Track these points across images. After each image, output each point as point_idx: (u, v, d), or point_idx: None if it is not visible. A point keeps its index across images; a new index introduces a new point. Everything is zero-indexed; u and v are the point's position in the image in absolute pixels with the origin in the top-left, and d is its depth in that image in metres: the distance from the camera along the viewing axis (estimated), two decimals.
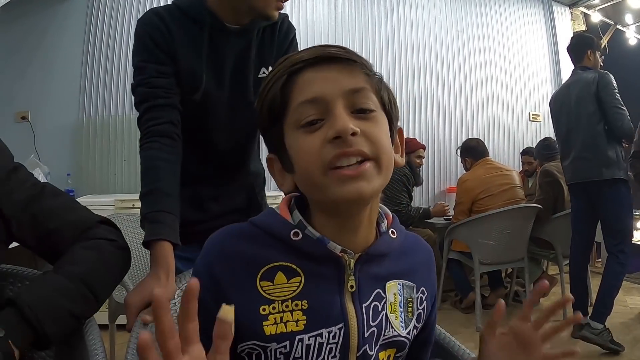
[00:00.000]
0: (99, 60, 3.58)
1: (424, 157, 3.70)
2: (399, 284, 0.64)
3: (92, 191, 3.44)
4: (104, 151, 3.55)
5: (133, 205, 2.86)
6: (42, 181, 0.90)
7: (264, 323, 0.57)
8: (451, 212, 3.47)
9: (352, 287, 0.59)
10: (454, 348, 0.80)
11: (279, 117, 0.59)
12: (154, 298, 0.39)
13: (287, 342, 0.56)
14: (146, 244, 0.91)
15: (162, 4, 3.95)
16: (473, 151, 3.42)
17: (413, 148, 3.53)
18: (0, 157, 0.85)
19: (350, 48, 0.60)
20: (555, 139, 3.73)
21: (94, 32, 3.58)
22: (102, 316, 0.76)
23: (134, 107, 1.08)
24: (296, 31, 1.22)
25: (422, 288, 0.67)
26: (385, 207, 0.66)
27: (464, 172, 3.54)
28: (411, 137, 4.26)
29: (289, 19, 1.21)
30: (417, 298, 0.66)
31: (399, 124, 0.65)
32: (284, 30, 1.18)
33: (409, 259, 0.66)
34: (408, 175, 3.43)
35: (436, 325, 0.77)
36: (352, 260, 0.59)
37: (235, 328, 0.50)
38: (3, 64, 3.37)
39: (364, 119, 0.57)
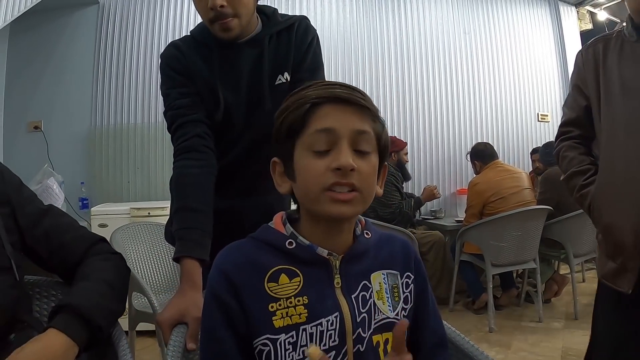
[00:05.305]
0: (110, 68, 3.62)
1: (407, 154, 3.86)
2: (382, 273, 0.75)
3: (106, 199, 3.48)
4: (117, 159, 3.58)
5: (149, 213, 2.90)
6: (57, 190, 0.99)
7: (273, 318, 0.67)
8: (441, 194, 3.62)
9: (338, 283, 0.71)
10: (469, 349, 0.85)
11: (294, 135, 0.70)
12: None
13: (294, 332, 0.67)
14: (176, 260, 0.95)
15: (171, 14, 3.97)
16: (481, 155, 3.46)
17: (402, 146, 3.69)
18: (7, 173, 0.95)
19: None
20: None
21: (105, 41, 3.63)
22: (122, 323, 0.84)
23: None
24: None
25: (407, 273, 0.78)
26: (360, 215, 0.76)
27: (474, 174, 3.56)
28: (420, 140, 4.31)
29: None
30: (402, 283, 0.77)
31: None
32: (301, 32, 1.20)
33: (386, 250, 0.78)
34: (396, 174, 3.49)
35: (450, 327, 0.86)
36: (337, 261, 0.71)
37: (250, 325, 0.66)
38: (15, 75, 3.42)
39: (361, 157, 0.69)
